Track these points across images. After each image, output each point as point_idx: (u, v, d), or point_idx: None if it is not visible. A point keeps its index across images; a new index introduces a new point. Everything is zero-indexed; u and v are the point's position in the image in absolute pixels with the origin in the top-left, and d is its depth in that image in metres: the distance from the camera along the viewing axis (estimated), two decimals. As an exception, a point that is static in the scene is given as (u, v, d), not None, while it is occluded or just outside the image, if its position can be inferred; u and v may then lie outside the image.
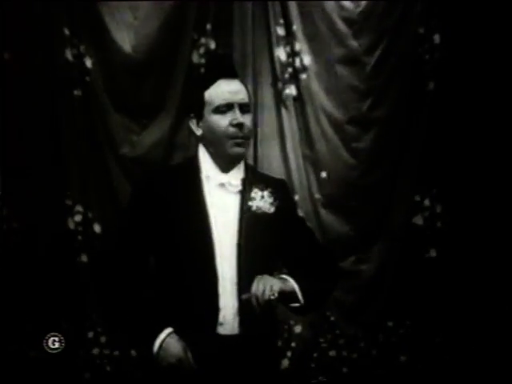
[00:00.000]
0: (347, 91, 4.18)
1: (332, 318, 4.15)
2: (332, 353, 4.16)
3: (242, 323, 2.12)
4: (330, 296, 2.41)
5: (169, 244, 2.16)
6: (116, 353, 3.96)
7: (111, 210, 3.92)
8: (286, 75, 4.13)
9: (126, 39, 3.97)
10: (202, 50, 4.04)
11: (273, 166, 4.06)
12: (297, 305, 2.18)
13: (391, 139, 4.23)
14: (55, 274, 3.87)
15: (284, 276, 2.19)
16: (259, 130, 4.08)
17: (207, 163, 2.22)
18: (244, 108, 2.19)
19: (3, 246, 3.81)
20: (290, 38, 4.12)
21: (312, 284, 2.21)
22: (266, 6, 4.10)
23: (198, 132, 2.23)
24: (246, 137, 2.19)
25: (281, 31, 4.11)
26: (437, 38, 4.19)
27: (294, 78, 4.14)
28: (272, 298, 2.03)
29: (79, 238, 3.96)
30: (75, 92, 3.94)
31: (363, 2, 4.16)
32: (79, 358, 3.90)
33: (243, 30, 4.07)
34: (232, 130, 2.15)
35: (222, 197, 2.19)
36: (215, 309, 2.10)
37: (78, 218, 3.95)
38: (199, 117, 2.21)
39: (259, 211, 2.19)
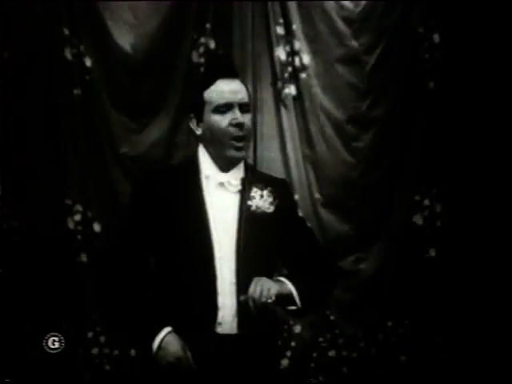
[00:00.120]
0: (347, 90, 4.19)
1: (332, 318, 4.15)
2: (332, 352, 4.16)
3: (240, 323, 2.11)
4: (327, 298, 2.41)
5: (168, 243, 2.16)
6: (115, 352, 3.96)
7: (111, 209, 3.93)
8: (286, 74, 4.13)
9: (125, 38, 3.97)
10: (201, 50, 4.05)
11: (272, 165, 4.06)
12: (294, 308, 2.18)
13: (391, 138, 4.23)
14: (55, 273, 3.87)
15: (281, 278, 2.18)
16: (259, 129, 4.08)
17: (207, 163, 2.22)
18: (244, 108, 2.18)
19: (3, 246, 3.81)
20: (289, 37, 4.12)
21: (310, 286, 2.21)
22: (265, 6, 4.11)
23: (198, 132, 2.23)
24: (246, 137, 2.18)
25: (280, 31, 4.11)
26: (436, 37, 4.19)
27: (294, 78, 4.14)
28: (269, 301, 2.03)
29: (79, 237, 3.96)
30: (75, 91, 3.95)
31: (363, 2, 4.16)
32: (79, 358, 3.90)
33: (243, 29, 4.07)
34: (232, 129, 2.15)
35: (222, 196, 2.19)
36: (214, 308, 2.10)
37: (77, 217, 3.95)
38: (199, 117, 2.21)
39: (259, 210, 2.19)
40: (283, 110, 4.14)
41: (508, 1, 4.06)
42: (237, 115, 2.15)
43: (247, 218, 2.16)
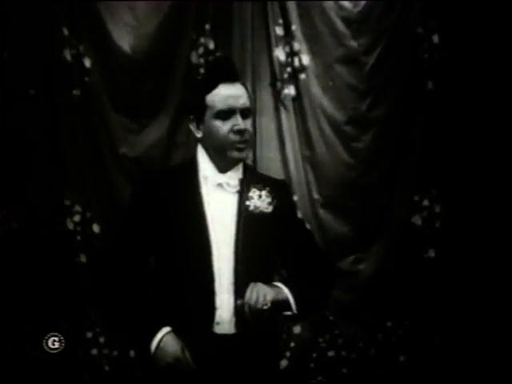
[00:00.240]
0: (346, 91, 4.19)
1: (331, 318, 4.15)
2: (331, 353, 4.16)
3: (238, 323, 2.12)
4: (324, 303, 2.42)
5: (167, 244, 2.17)
6: (115, 353, 3.96)
7: (110, 209, 3.93)
8: (285, 75, 4.13)
9: (125, 39, 3.97)
10: (200, 50, 4.05)
11: (272, 166, 4.06)
12: (289, 313, 2.17)
13: (390, 139, 4.23)
14: (54, 274, 3.87)
15: (278, 284, 2.18)
16: (258, 130, 4.07)
17: (205, 163, 2.22)
18: (245, 113, 2.18)
19: (3, 246, 3.82)
20: (288, 37, 4.12)
21: (306, 292, 2.21)
22: (265, 6, 4.11)
23: (198, 134, 2.23)
24: (247, 141, 2.19)
25: (280, 31, 4.11)
26: (435, 37, 4.18)
27: (293, 78, 4.14)
28: (265, 307, 2.04)
29: (78, 238, 3.96)
30: (74, 92, 3.95)
31: (362, 2, 4.16)
32: (78, 359, 3.90)
33: (242, 30, 4.07)
34: (233, 136, 2.15)
35: (220, 197, 2.19)
36: (211, 308, 2.10)
37: (76, 218, 3.96)
38: (200, 120, 2.21)
39: (257, 211, 2.19)
40: (282, 111, 4.14)
41: (508, 1, 4.06)
42: (238, 121, 2.16)
43: (246, 219, 2.17)
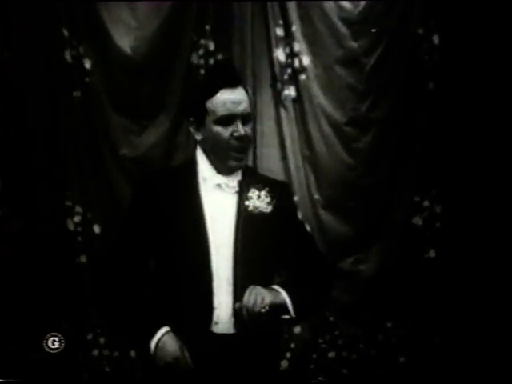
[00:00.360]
0: (346, 92, 4.18)
1: (331, 319, 4.15)
2: (331, 353, 4.16)
3: (237, 323, 2.12)
4: (322, 306, 2.42)
5: (166, 244, 2.17)
6: (115, 354, 3.96)
7: (111, 210, 3.93)
8: (285, 76, 4.14)
9: (125, 40, 3.97)
10: (201, 52, 4.05)
11: (272, 166, 4.06)
12: (287, 317, 2.17)
13: (390, 140, 4.23)
14: (55, 274, 3.87)
15: (276, 287, 2.18)
16: (258, 131, 4.08)
17: (204, 165, 2.23)
18: (246, 118, 2.18)
19: (3, 247, 3.82)
20: (289, 38, 4.12)
21: (304, 295, 2.21)
22: (265, 7, 4.11)
23: (198, 137, 2.23)
24: (247, 149, 2.21)
25: (280, 32, 4.12)
26: (436, 38, 4.18)
27: (293, 79, 4.14)
28: (262, 310, 2.04)
29: (79, 238, 3.96)
30: (74, 93, 3.95)
31: (362, 3, 4.16)
32: (78, 359, 3.90)
33: (242, 31, 4.08)
34: (233, 142, 2.16)
35: (219, 197, 2.20)
36: (209, 307, 2.11)
37: (77, 218, 3.96)
38: (200, 123, 2.21)
39: (256, 211, 2.20)
40: (283, 112, 4.14)
41: (508, 1, 4.06)
42: (239, 127, 2.15)
43: (245, 219, 2.17)
